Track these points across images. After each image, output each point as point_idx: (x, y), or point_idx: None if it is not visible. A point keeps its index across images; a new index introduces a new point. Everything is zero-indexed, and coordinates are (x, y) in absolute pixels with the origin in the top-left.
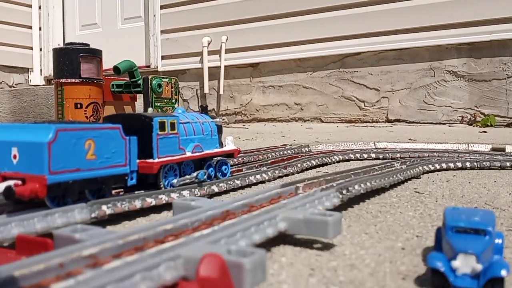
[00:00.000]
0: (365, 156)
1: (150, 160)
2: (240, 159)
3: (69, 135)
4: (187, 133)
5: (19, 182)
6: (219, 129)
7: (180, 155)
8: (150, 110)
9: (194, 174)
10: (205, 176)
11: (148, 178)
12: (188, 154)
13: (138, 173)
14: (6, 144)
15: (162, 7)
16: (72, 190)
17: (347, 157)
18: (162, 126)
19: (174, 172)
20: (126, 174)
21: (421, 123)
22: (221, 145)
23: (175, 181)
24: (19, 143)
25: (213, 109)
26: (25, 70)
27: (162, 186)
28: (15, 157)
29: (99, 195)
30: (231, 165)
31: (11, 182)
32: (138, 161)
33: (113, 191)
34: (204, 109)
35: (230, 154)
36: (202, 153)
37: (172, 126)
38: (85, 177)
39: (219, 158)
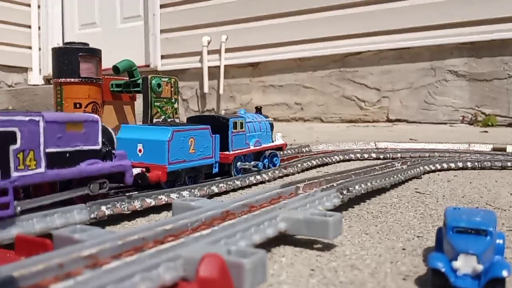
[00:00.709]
0: (366, 156)
1: (227, 153)
2: None
3: (180, 134)
4: (250, 131)
5: (144, 169)
6: (271, 127)
7: (246, 149)
8: (222, 112)
9: (253, 163)
10: (260, 166)
11: (223, 167)
12: (252, 147)
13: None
14: (133, 141)
15: (161, 6)
16: (180, 176)
17: (347, 157)
18: (235, 125)
19: (240, 161)
20: (213, 164)
21: (422, 123)
22: (272, 140)
23: (238, 163)
24: (144, 141)
25: (213, 108)
26: (24, 70)
27: (233, 173)
28: (140, 151)
29: (195, 180)
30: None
31: (138, 170)
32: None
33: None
34: (259, 110)
35: (279, 148)
36: (261, 146)
37: (241, 125)
38: (189, 166)
39: (271, 151)
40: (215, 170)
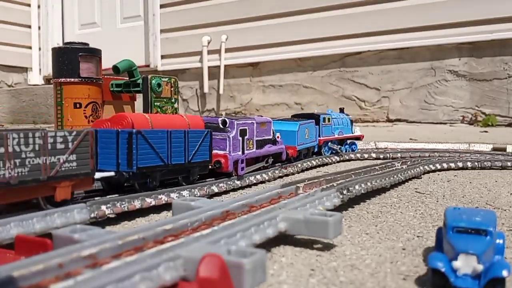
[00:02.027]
0: (366, 156)
1: (319, 138)
2: None
3: (302, 126)
4: (335, 124)
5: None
6: (351, 122)
7: (331, 136)
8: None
9: (338, 146)
10: (344, 149)
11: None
12: (336, 136)
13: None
14: (275, 131)
15: (161, 6)
16: (301, 154)
17: (347, 157)
18: (324, 119)
19: (328, 145)
20: (315, 146)
21: (422, 122)
22: (352, 132)
23: (329, 143)
24: (281, 131)
25: (213, 108)
26: (24, 70)
27: (323, 152)
28: (278, 137)
29: (306, 156)
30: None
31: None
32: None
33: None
34: (342, 110)
35: (358, 138)
36: (342, 136)
37: (329, 120)
38: (306, 147)
39: (351, 140)
40: (315, 150)
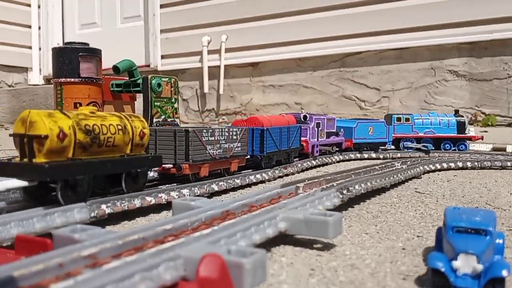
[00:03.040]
0: (366, 155)
1: (393, 135)
2: None
3: (362, 124)
4: (422, 124)
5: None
6: (458, 123)
7: (410, 134)
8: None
9: (421, 144)
10: (431, 148)
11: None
12: (419, 134)
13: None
14: (338, 128)
15: (161, 6)
16: (361, 146)
17: (347, 157)
18: (398, 119)
19: (410, 141)
20: (386, 142)
21: None
22: (461, 132)
23: (406, 142)
24: (343, 127)
25: (213, 108)
26: (24, 70)
27: (401, 147)
28: (342, 131)
29: (372, 149)
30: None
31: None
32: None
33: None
34: (456, 112)
35: (469, 138)
36: (433, 135)
37: (407, 119)
38: (368, 142)
39: (458, 139)
40: (389, 145)
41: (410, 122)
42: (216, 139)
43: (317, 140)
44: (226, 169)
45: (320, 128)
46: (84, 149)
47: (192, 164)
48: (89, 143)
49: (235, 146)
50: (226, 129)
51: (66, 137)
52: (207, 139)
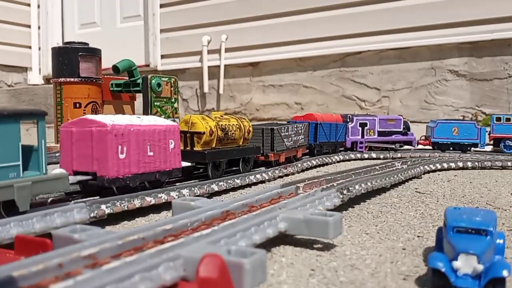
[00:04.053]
0: (366, 156)
1: (491, 135)
2: None
3: (444, 125)
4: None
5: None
6: None
7: (509, 134)
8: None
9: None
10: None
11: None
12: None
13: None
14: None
15: (161, 6)
16: (442, 147)
17: (347, 157)
18: (497, 119)
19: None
20: (478, 143)
21: (422, 122)
22: None
23: (507, 141)
24: (428, 127)
25: (213, 108)
26: (24, 70)
27: (501, 147)
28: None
29: (461, 150)
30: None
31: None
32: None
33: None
34: None
35: None
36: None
37: (508, 119)
38: (452, 141)
39: None
40: (482, 147)
41: (511, 122)
42: (289, 133)
43: (362, 137)
44: (294, 156)
45: (367, 127)
46: (220, 141)
47: (275, 153)
48: (223, 137)
49: (300, 138)
50: (295, 125)
51: (213, 133)
52: (284, 134)
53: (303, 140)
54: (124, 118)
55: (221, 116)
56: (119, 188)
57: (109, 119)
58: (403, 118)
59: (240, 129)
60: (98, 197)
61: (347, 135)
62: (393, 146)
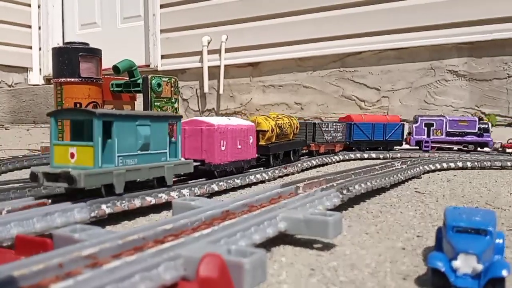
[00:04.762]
0: (365, 155)
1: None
2: None
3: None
4: None
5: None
6: None
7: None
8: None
9: None
10: None
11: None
12: None
13: None
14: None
15: (161, 6)
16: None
17: (347, 157)
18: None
19: None
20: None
21: None
22: None
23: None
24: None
25: (213, 108)
26: (24, 70)
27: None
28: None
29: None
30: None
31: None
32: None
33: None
34: None
35: None
36: None
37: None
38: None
39: None
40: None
41: None
42: (329, 129)
43: (427, 137)
44: (332, 150)
45: (433, 128)
46: (277, 137)
47: (316, 144)
48: (280, 134)
49: (338, 135)
50: (334, 124)
51: (273, 130)
52: (324, 129)
53: (341, 137)
54: (221, 119)
55: (277, 116)
56: (218, 172)
57: (214, 120)
58: (480, 119)
59: (291, 126)
60: (187, 181)
61: (412, 135)
62: (464, 147)
